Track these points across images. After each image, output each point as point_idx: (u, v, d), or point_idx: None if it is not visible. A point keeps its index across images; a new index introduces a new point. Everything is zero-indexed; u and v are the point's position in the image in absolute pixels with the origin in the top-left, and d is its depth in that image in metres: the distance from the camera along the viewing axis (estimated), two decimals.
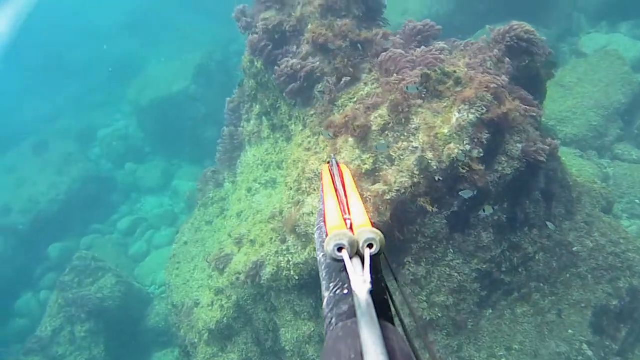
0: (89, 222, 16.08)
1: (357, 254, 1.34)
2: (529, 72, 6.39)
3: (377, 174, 5.58)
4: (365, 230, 1.39)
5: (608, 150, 10.51)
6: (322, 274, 1.52)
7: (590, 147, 10.49)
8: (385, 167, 5.58)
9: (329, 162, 2.33)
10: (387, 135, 5.65)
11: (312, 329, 6.53)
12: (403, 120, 5.63)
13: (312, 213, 5.84)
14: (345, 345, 1.09)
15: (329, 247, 1.34)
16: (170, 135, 17.41)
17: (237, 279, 6.94)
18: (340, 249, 1.33)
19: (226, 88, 14.18)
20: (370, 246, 1.34)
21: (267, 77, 7.59)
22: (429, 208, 5.41)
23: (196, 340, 7.76)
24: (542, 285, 6.11)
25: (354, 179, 2.12)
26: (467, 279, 5.76)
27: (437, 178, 5.30)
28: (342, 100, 6.50)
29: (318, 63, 6.72)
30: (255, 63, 7.70)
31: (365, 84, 6.45)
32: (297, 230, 6.03)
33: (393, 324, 1.25)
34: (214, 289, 7.41)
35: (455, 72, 5.75)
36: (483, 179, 5.37)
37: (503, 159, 5.59)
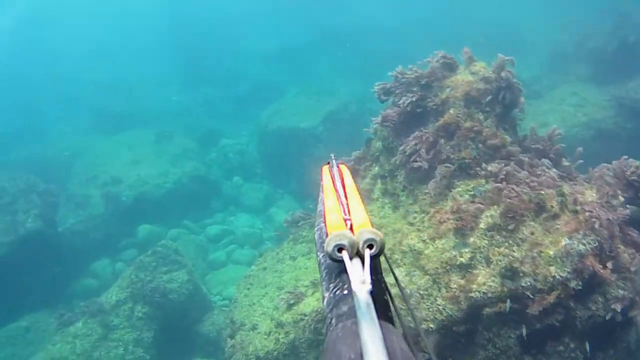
0: (183, 216, 16.82)
1: (357, 254, 1.35)
2: None
3: (469, 270, 5.60)
4: (365, 230, 1.41)
5: None
6: (322, 274, 1.54)
7: None
8: (480, 266, 5.59)
9: (328, 163, 2.35)
10: (492, 236, 5.67)
11: None
12: (512, 227, 5.64)
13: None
14: (345, 345, 1.09)
15: (329, 247, 1.36)
16: (284, 165, 18.01)
17: (301, 319, 7.08)
18: (340, 250, 1.35)
19: (350, 140, 14.60)
20: (370, 247, 1.36)
21: (394, 144, 7.81)
22: (505, 308, 5.34)
23: None
24: None
25: (353, 179, 2.13)
26: None
27: (527, 294, 5.25)
28: (459, 189, 6.58)
29: (448, 147, 6.86)
30: (386, 130, 7.96)
31: (487, 181, 6.51)
32: None
33: (393, 324, 1.26)
34: (275, 321, 7.56)
35: (574, 198, 5.72)
36: (572, 312, 5.25)
37: (600, 299, 5.44)
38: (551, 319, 5.25)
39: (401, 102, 7.55)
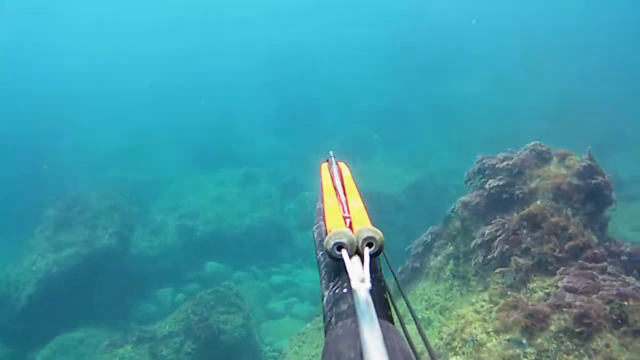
0: (251, 260, 16.97)
1: (356, 252, 1.33)
2: None
3: None
4: (364, 228, 1.38)
5: None
6: (322, 272, 1.52)
7: None
8: None
9: (327, 160, 2.31)
10: (561, 337, 5.25)
11: None
12: (585, 335, 5.21)
13: None
14: (345, 344, 1.07)
15: (328, 245, 1.33)
16: None
17: None
18: (339, 248, 1.32)
19: (431, 212, 14.33)
20: (369, 245, 1.34)
21: (473, 226, 7.53)
22: None
23: None
24: None
25: (353, 177, 2.11)
26: None
27: None
28: (534, 284, 6.20)
29: (529, 239, 6.51)
30: (467, 211, 7.70)
31: (562, 282, 6.10)
32: None
33: (393, 323, 1.23)
34: None
35: None
36: None
37: None
38: None
39: (487, 184, 7.31)
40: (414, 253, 9.03)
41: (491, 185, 7.22)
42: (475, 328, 5.95)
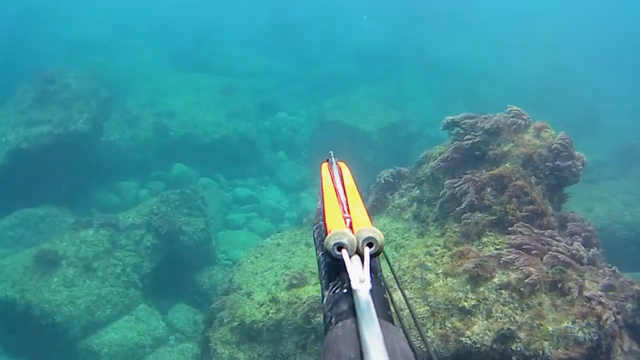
0: (218, 169, 17.18)
1: (356, 252, 1.34)
2: None
3: (469, 316, 5.69)
4: (364, 229, 1.40)
5: None
6: (322, 273, 1.52)
7: None
8: (480, 315, 5.67)
9: (327, 160, 2.29)
10: (502, 293, 5.74)
11: None
12: (524, 293, 5.71)
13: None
14: (345, 344, 1.06)
15: (329, 245, 1.34)
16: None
17: (296, 302, 7.25)
18: (339, 248, 1.33)
19: (399, 157, 14.71)
20: (370, 245, 1.35)
21: (442, 176, 7.88)
22: None
23: (225, 320, 8.11)
24: None
25: (353, 177, 2.11)
26: None
27: (514, 358, 5.33)
28: (487, 238, 6.66)
29: (492, 197, 6.92)
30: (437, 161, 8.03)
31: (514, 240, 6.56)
32: None
33: (393, 323, 1.24)
34: (272, 295, 7.74)
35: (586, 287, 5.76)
36: None
37: None
38: None
39: (463, 138, 7.62)
40: (382, 183, 9.33)
41: (467, 140, 7.52)
42: (425, 269, 6.41)
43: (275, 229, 14.47)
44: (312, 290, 7.37)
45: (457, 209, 7.11)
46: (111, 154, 16.17)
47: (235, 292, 8.56)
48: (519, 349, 5.31)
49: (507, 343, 5.38)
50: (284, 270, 8.45)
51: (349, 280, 1.22)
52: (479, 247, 6.56)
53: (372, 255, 1.34)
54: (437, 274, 6.26)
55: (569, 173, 7.21)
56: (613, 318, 5.58)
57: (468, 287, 5.91)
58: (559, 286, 5.79)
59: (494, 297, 5.76)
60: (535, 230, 6.70)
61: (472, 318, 5.67)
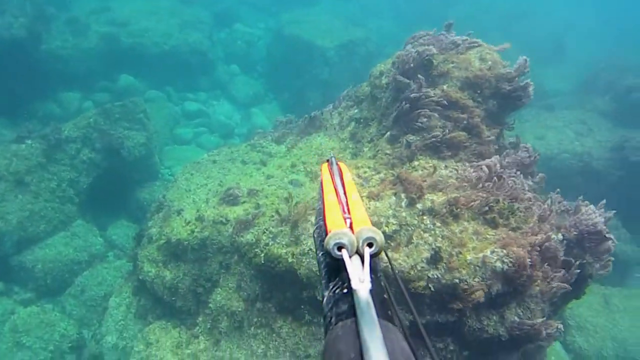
0: (168, 82, 16.51)
1: (357, 252, 1.35)
2: (582, 270, 6.16)
3: (389, 241, 5.51)
4: (364, 229, 1.40)
5: None
6: (322, 272, 1.52)
7: None
8: (400, 241, 5.50)
9: (328, 161, 2.33)
10: (423, 218, 5.56)
11: (240, 309, 6.55)
12: (450, 219, 5.54)
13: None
14: (345, 344, 1.07)
15: (329, 245, 1.35)
16: (286, 73, 17.63)
17: (222, 222, 7.02)
18: (340, 248, 1.34)
19: (354, 75, 14.26)
20: (370, 245, 1.36)
21: (382, 96, 7.56)
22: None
23: (154, 238, 7.89)
24: None
25: (353, 178, 2.16)
26: None
27: (430, 286, 5.20)
28: (420, 162, 6.43)
29: (426, 120, 6.64)
30: (384, 78, 7.68)
31: (447, 167, 6.35)
32: (297, 225, 6.04)
33: (393, 323, 1.22)
34: (199, 213, 7.49)
35: (519, 217, 5.62)
36: (465, 319, 5.24)
37: (494, 317, 5.40)
38: (442, 317, 5.23)
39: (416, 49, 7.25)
40: (321, 110, 9.07)
41: (415, 50, 7.16)
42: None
43: (224, 144, 14.09)
44: (239, 211, 7.12)
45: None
46: (53, 63, 15.17)
47: (166, 209, 8.29)
48: (435, 276, 5.17)
49: (424, 271, 5.24)
50: (216, 188, 8.16)
51: (349, 280, 1.23)
52: (409, 170, 6.32)
53: (372, 255, 1.35)
54: (361, 197, 6.03)
55: (513, 98, 6.93)
56: (538, 248, 5.47)
57: (390, 211, 5.70)
58: (485, 215, 5.64)
59: (416, 222, 5.57)
60: (469, 157, 6.50)
61: (391, 244, 5.50)
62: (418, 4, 23.05)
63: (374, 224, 5.50)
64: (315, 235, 1.88)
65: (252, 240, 6.42)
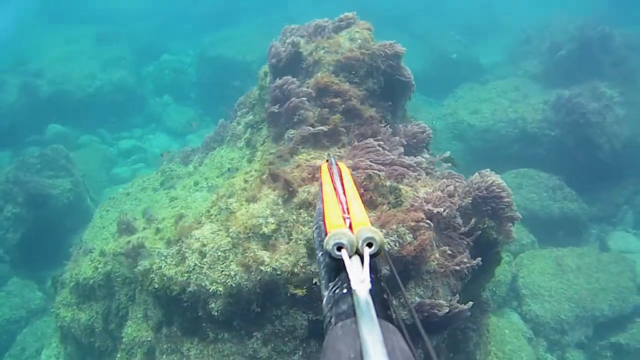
0: (99, 124, 16.31)
1: (356, 253, 1.35)
2: (484, 235, 6.04)
3: (270, 242, 5.35)
4: (364, 229, 1.40)
5: (560, 349, 9.89)
6: (321, 273, 1.52)
7: (544, 336, 9.90)
8: (282, 239, 5.35)
9: (328, 161, 2.38)
10: (300, 212, 5.42)
11: (150, 339, 6.34)
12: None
13: (200, 241, 5.64)
14: (345, 344, 1.06)
15: (328, 246, 1.36)
16: (217, 94, 17.48)
17: (120, 253, 6.84)
18: (339, 248, 1.35)
19: None
20: (369, 245, 1.36)
21: (267, 98, 7.45)
22: (299, 292, 5.12)
23: (66, 281, 7.71)
24: None
25: (353, 178, 2.14)
26: None
27: (314, 281, 5.04)
28: (301, 156, 6.29)
29: (302, 111, 6.51)
30: (268, 79, 7.57)
31: (329, 154, 6.21)
32: (179, 244, 5.87)
33: (393, 323, 1.20)
34: (101, 249, 7.30)
35: (401, 193, 5.49)
36: None
37: (393, 302, 5.26)
38: None
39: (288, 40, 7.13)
40: (219, 125, 8.93)
41: (288, 42, 7.05)
42: (233, 197, 6.02)
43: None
44: (134, 239, 6.94)
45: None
46: None
47: (80, 250, 8.10)
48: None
49: (307, 266, 5.08)
50: None
51: (348, 280, 1.23)
52: (291, 166, 6.18)
53: (372, 256, 1.35)
54: (241, 202, 5.88)
55: (394, 77, 6.84)
56: (426, 225, 5.33)
57: (268, 211, 5.55)
58: (368, 197, 5.50)
59: (294, 217, 5.42)
60: (352, 140, 6.39)
61: (272, 243, 5.34)
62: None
63: (255, 226, 5.39)
64: (314, 236, 1.90)
65: (147, 266, 6.23)
